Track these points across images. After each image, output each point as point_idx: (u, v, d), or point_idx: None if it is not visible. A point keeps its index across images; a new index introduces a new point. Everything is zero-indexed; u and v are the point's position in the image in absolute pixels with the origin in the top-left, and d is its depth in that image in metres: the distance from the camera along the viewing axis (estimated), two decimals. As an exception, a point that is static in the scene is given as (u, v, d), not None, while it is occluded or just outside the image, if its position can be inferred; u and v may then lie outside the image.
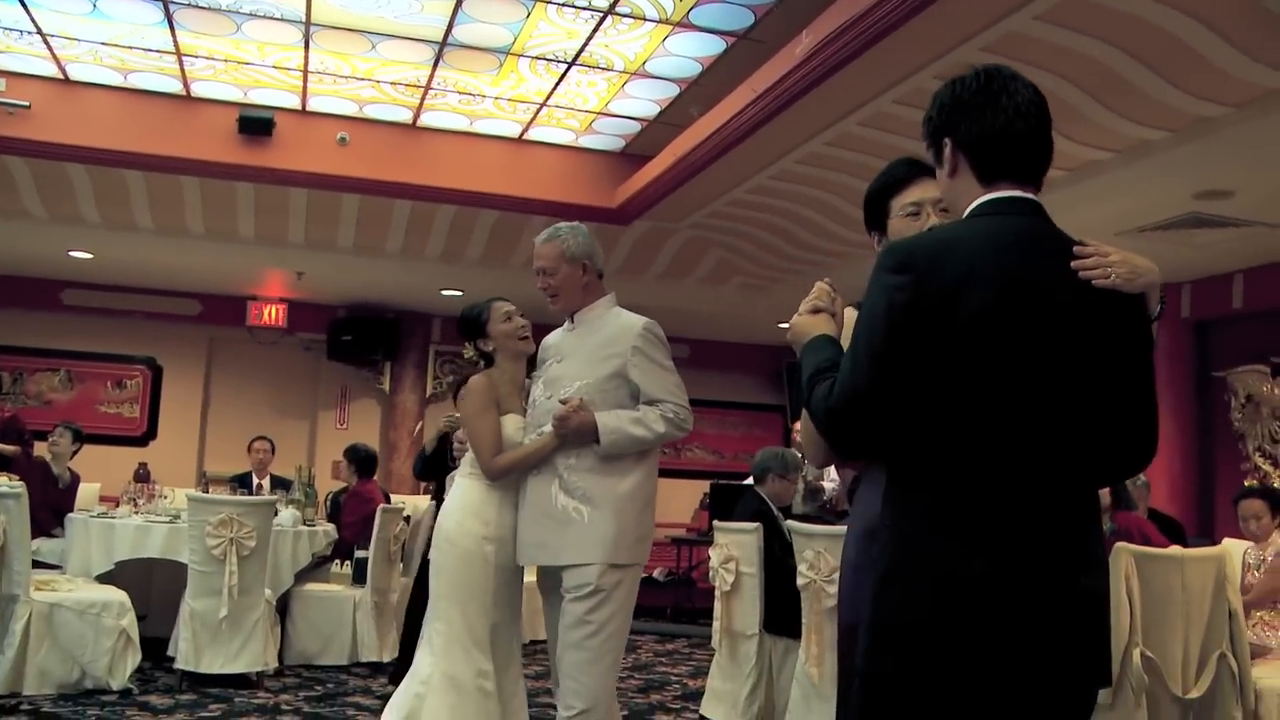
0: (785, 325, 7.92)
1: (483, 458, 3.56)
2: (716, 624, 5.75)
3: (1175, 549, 4.35)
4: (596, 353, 3.41)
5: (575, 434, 3.32)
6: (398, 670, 5.73)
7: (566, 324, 3.58)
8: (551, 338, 3.63)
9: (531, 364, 3.74)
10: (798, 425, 11.48)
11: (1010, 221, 1.87)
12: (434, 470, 5.97)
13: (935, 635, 1.75)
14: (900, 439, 1.83)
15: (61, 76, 7.69)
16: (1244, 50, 4.64)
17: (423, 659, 3.58)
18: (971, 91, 1.91)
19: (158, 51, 7.15)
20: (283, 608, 6.50)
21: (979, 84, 1.91)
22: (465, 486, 3.66)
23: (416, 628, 5.67)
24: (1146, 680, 3.99)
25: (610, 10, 6.15)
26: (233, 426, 10.77)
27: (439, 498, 5.83)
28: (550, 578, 3.46)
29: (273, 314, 10.59)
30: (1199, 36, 4.60)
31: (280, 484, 8.21)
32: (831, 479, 10.95)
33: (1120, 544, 4.12)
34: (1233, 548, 4.63)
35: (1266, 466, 7.54)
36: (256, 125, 7.79)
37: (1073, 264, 1.84)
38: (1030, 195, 1.90)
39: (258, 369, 11.14)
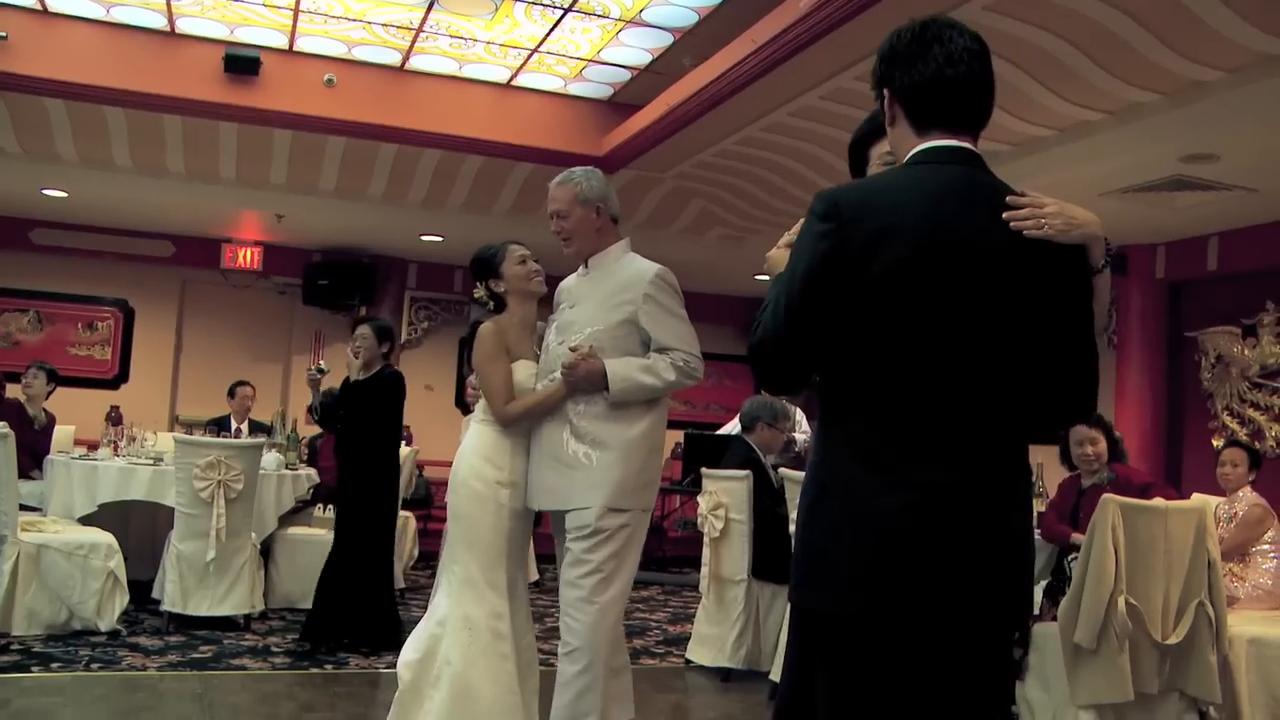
0: (762, 277, 8.06)
1: (494, 405, 3.58)
2: (704, 570, 5.84)
3: (1159, 500, 4.48)
4: (609, 299, 3.42)
5: (584, 381, 3.35)
6: (308, 624, 5.73)
7: (580, 269, 3.59)
8: (566, 282, 3.63)
9: (546, 307, 3.74)
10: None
11: (942, 171, 1.89)
12: (333, 419, 5.96)
13: (852, 567, 1.81)
14: (826, 377, 1.90)
15: (40, 7, 7.51)
16: (1240, 13, 4.70)
17: (439, 600, 3.62)
18: (906, 41, 1.93)
19: (143, -16, 7.02)
20: (266, 551, 6.52)
21: (913, 34, 1.93)
22: (478, 431, 3.67)
23: (332, 579, 5.70)
24: (1130, 627, 4.14)
25: (612, -44, 6.13)
26: (205, 370, 10.71)
27: (340, 444, 5.91)
28: (561, 521, 3.50)
29: (247, 257, 10.50)
30: (1197, -1, 4.67)
31: (258, 428, 8.18)
32: (804, 430, 11.11)
33: (1108, 495, 4.25)
34: (1207, 501, 4.76)
35: (1234, 425, 7.74)
36: (242, 64, 7.67)
37: (1005, 215, 1.86)
38: (966, 144, 1.92)
39: (231, 312, 11.05)
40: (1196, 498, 4.97)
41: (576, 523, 3.33)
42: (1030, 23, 5.04)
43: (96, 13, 7.56)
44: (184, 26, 7.71)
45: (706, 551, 5.84)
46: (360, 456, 5.75)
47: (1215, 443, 7.78)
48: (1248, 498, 5.17)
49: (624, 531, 3.31)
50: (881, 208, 1.84)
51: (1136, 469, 4.92)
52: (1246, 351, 7.69)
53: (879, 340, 1.82)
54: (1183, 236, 7.79)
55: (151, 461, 6.39)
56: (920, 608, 1.79)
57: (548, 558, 4.91)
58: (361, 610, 5.66)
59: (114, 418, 9.43)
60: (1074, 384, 1.92)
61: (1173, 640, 4.25)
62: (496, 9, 7.01)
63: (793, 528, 4.80)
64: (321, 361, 6.48)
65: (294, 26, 7.55)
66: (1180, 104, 5.51)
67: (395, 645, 5.28)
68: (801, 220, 1.93)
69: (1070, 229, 1.86)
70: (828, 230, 1.84)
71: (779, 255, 2.09)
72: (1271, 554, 5.05)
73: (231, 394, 8.35)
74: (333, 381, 6.19)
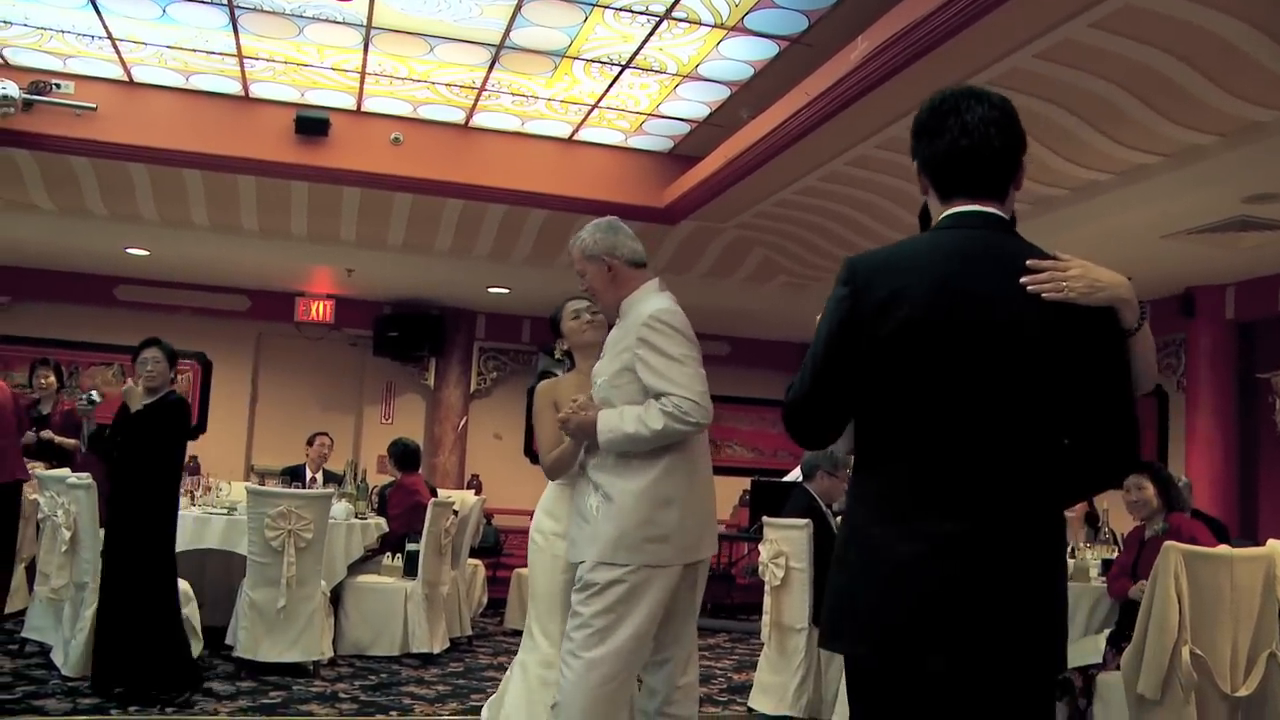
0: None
1: (541, 458, 3.63)
2: (766, 618, 5.84)
3: (1224, 548, 4.40)
4: (614, 347, 3.35)
5: (578, 434, 3.31)
6: (94, 676, 5.27)
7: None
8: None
9: None
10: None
11: (959, 235, 1.95)
12: (108, 448, 5.48)
13: (867, 614, 1.88)
14: (858, 432, 1.99)
15: (126, 79, 7.90)
16: (1295, 55, 4.69)
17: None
18: (926, 114, 2.02)
19: (220, 54, 7.34)
20: (335, 599, 6.63)
21: (932, 107, 2.01)
22: (548, 486, 3.78)
23: (110, 626, 5.17)
24: (1196, 678, 4.05)
25: (667, 15, 6.26)
26: (280, 420, 10.99)
27: (114, 478, 5.36)
28: None
29: (320, 310, 10.75)
30: (1248, 38, 4.65)
31: (331, 478, 8.36)
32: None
33: (1169, 543, 4.18)
34: (1276, 548, 4.66)
35: (1310, 468, 7.56)
36: (313, 125, 7.96)
37: (1023, 279, 1.89)
38: (989, 209, 1.97)
39: (304, 364, 11.32)
40: (1271, 544, 4.87)
41: (579, 574, 3.25)
42: (1081, 69, 5.06)
43: (177, 81, 7.92)
44: (257, 91, 8.03)
45: (768, 600, 5.84)
46: (141, 487, 5.26)
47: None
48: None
49: (618, 588, 3.13)
50: (894, 272, 1.93)
51: (1191, 520, 4.82)
52: (1320, 393, 7.53)
53: (893, 398, 1.90)
54: (1251, 276, 7.66)
55: (226, 511, 6.56)
56: (928, 654, 1.83)
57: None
58: (147, 654, 5.23)
59: (192, 468, 9.71)
60: (1107, 445, 1.93)
61: (1243, 692, 4.15)
62: (556, 67, 7.19)
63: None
64: (94, 392, 6.05)
65: (361, 88, 7.81)
66: (1237, 145, 5.47)
67: (194, 685, 5.34)
68: None
69: (1093, 291, 1.88)
70: (845, 295, 1.94)
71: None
72: (1347, 601, 4.91)
73: (310, 442, 8.54)
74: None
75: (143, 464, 5.25)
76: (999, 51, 4.93)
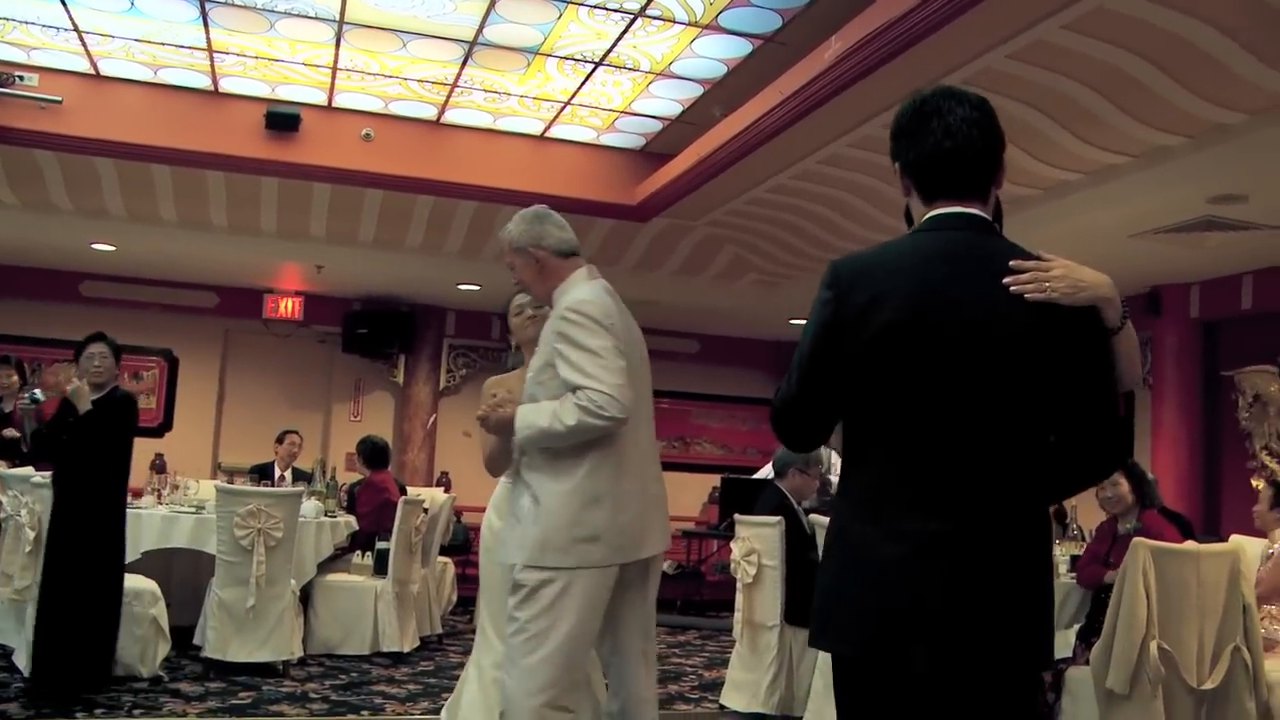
0: (795, 320, 8.10)
1: (482, 454, 3.57)
2: (738, 615, 5.86)
3: (1191, 544, 4.46)
4: (543, 341, 3.21)
5: (497, 430, 3.23)
6: (33, 679, 5.07)
7: None
8: None
9: None
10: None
11: (941, 237, 1.96)
12: (52, 448, 5.24)
13: (851, 613, 1.90)
14: (846, 435, 2.01)
15: (93, 72, 7.80)
16: (1261, 58, 4.75)
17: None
18: (907, 117, 2.03)
19: (189, 48, 7.25)
20: (305, 598, 6.60)
21: (913, 109, 2.02)
22: (498, 484, 3.72)
23: (51, 629, 5.01)
24: (1163, 672, 4.10)
25: (641, 12, 6.26)
26: (247, 418, 10.91)
27: (59, 476, 5.17)
28: None
29: (289, 306, 10.69)
30: (1217, 43, 4.71)
31: (300, 476, 8.31)
32: (838, 472, 11.10)
33: (1138, 540, 4.23)
34: (1243, 543, 4.73)
35: (1273, 464, 7.67)
36: (283, 121, 7.90)
37: (1006, 280, 1.90)
38: (971, 210, 1.99)
39: (273, 361, 11.23)
40: (1233, 540, 4.94)
41: (513, 576, 3.13)
42: (1053, 70, 5.11)
43: (145, 75, 7.82)
44: (227, 86, 7.95)
45: (740, 597, 5.86)
46: (89, 486, 5.12)
47: (1255, 483, 7.71)
48: (1283, 537, 5.13)
49: (549, 589, 3.01)
50: (877, 275, 1.94)
51: (1163, 520, 4.89)
52: (1284, 391, 7.64)
53: (876, 400, 1.92)
54: (1216, 275, 7.77)
55: (194, 510, 6.51)
56: (914, 652, 1.85)
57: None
58: (85, 656, 5.13)
59: (158, 466, 9.63)
60: (1092, 442, 1.95)
61: (1209, 685, 4.21)
62: (529, 64, 7.18)
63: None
64: (37, 390, 5.80)
65: (333, 84, 7.76)
66: (1204, 146, 5.54)
67: (95, 689, 5.17)
68: None
69: (1076, 291, 1.90)
70: (829, 298, 1.96)
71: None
72: (1310, 596, 5.00)
73: (280, 440, 8.50)
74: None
75: (91, 462, 5.12)
76: (972, 52, 4.97)
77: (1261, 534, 5.31)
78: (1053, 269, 1.91)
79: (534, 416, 3.04)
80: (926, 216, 2.01)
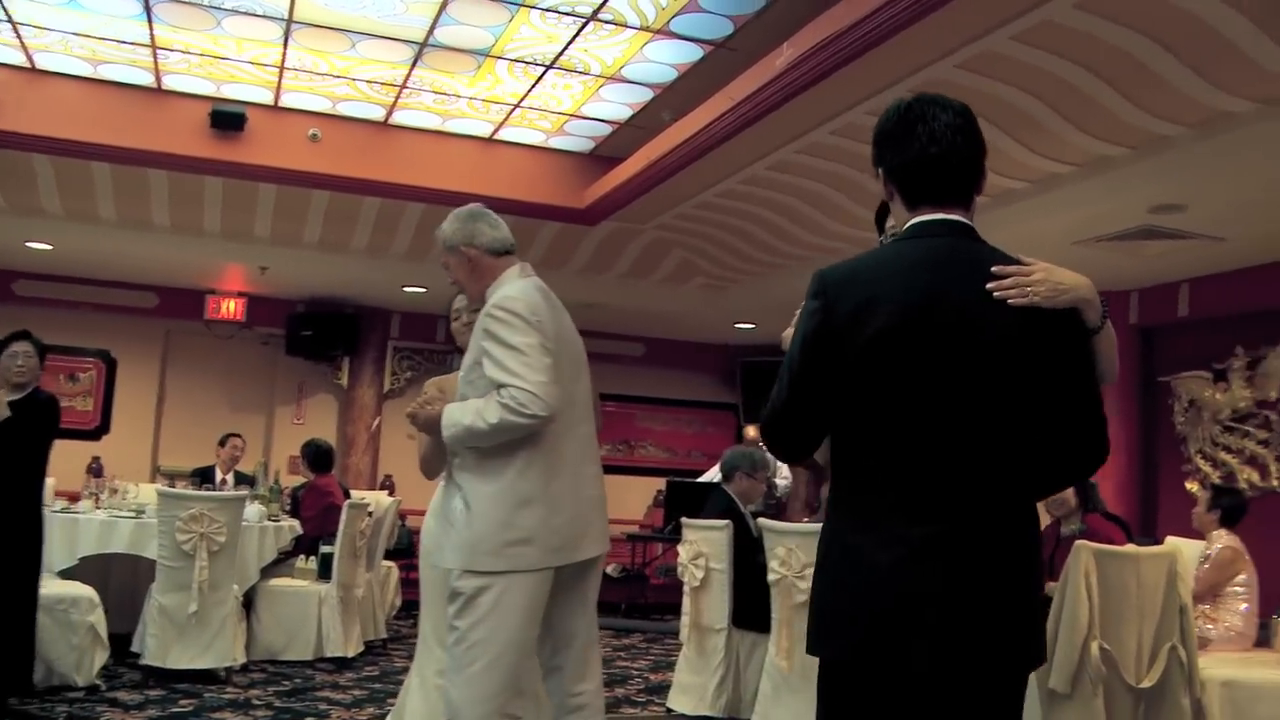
0: (742, 325, 8.14)
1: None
2: (685, 618, 5.88)
3: (1130, 547, 4.55)
4: (471, 340, 3.20)
5: (425, 429, 3.21)
6: None
7: None
8: None
9: None
10: (750, 428, 11.60)
11: (925, 244, 1.98)
12: None
13: (850, 619, 1.91)
14: (834, 444, 2.02)
15: (29, 65, 7.62)
16: (1199, 73, 4.86)
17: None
18: (892, 123, 2.04)
19: (131, 44, 7.11)
20: (248, 603, 6.51)
21: (899, 115, 2.04)
22: (437, 488, 3.66)
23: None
24: (1104, 671, 4.19)
25: (593, 16, 6.25)
26: (188, 421, 10.73)
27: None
28: None
29: (231, 308, 10.53)
30: (1158, 58, 4.81)
31: (242, 479, 8.21)
32: (784, 476, 11.19)
33: (1080, 542, 4.30)
34: (1180, 545, 4.84)
35: (1207, 468, 7.84)
36: (228, 120, 7.77)
37: (988, 285, 1.93)
38: (953, 216, 2.01)
39: (214, 363, 11.05)
40: (1169, 542, 5.05)
41: (450, 584, 3.08)
42: (1000, 80, 5.19)
43: (84, 70, 7.66)
44: (170, 83, 7.81)
45: (687, 601, 5.88)
46: (6, 492, 4.86)
47: (1189, 486, 7.88)
48: (1221, 539, 5.26)
49: (487, 596, 2.96)
50: (863, 283, 1.96)
51: (1105, 521, 4.99)
52: (1218, 396, 7.80)
53: (868, 407, 1.93)
54: (1154, 283, 7.93)
55: (133, 514, 6.40)
56: (913, 654, 1.86)
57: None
58: (4, 668, 4.90)
59: (95, 469, 9.46)
60: (1077, 440, 1.99)
61: (1146, 684, 4.29)
62: (479, 66, 7.14)
63: (772, 576, 4.88)
64: None
65: (279, 83, 7.66)
66: (1146, 157, 5.65)
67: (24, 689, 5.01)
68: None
69: (1057, 294, 1.93)
70: (817, 307, 1.97)
71: (789, 333, 2.18)
72: (1242, 596, 5.13)
73: (223, 443, 8.38)
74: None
75: (9, 465, 4.84)
76: (922, 61, 5.03)
77: (1200, 535, 5.44)
78: (1034, 273, 1.94)
79: (459, 414, 3.01)
80: (910, 223, 2.03)
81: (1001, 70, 5.06)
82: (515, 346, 2.97)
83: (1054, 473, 2.03)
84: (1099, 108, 5.29)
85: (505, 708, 2.97)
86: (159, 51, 7.21)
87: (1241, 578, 5.15)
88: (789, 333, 2.19)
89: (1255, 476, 7.46)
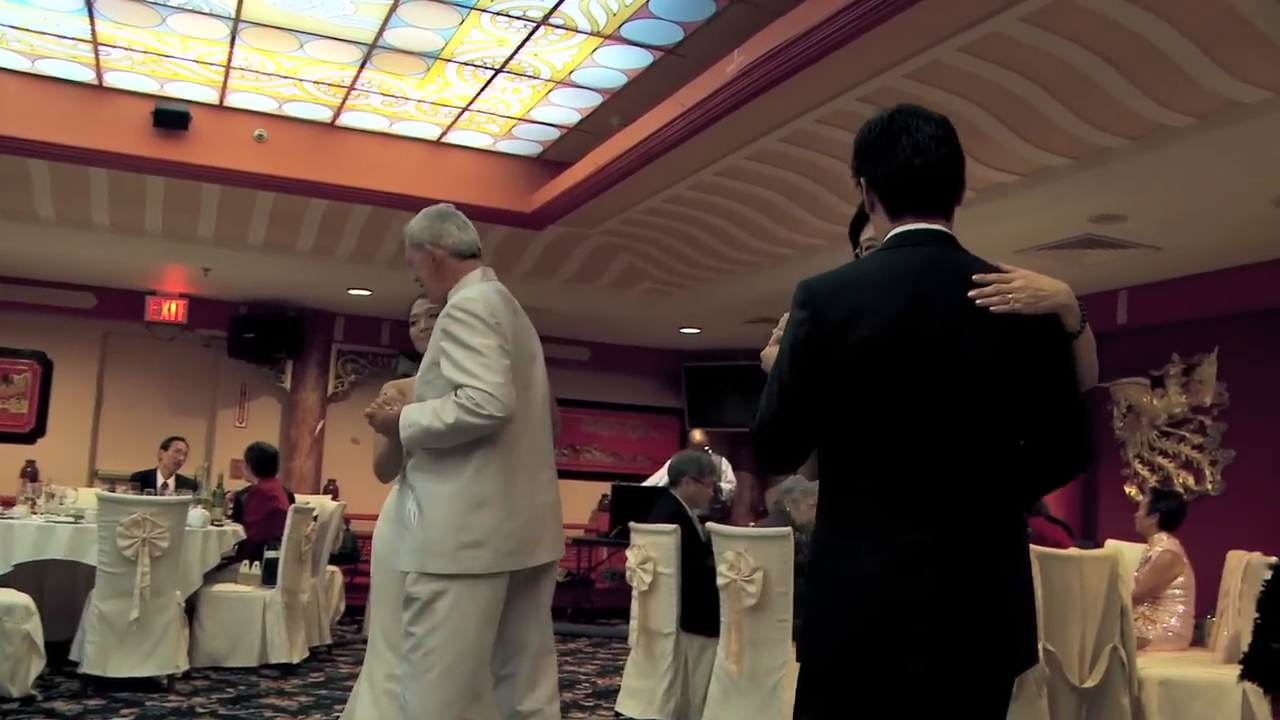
0: (688, 330, 8.18)
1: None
2: (633, 622, 5.88)
3: (1074, 550, 4.65)
4: (430, 341, 3.20)
5: (383, 429, 3.22)
6: None
7: None
8: None
9: None
10: (696, 432, 11.61)
11: (909, 253, 2.01)
12: None
13: (840, 626, 1.94)
14: (821, 454, 2.04)
15: (-38, 60, 7.44)
16: (1138, 85, 4.97)
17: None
18: (876, 134, 2.07)
19: (72, 39, 6.96)
20: (190, 609, 6.42)
21: (882, 126, 2.07)
22: (390, 491, 3.65)
23: None
24: (1048, 672, 4.28)
25: (544, 21, 6.24)
26: (127, 424, 10.54)
27: None
28: None
29: (172, 309, 10.33)
30: (1100, 70, 4.92)
31: (184, 483, 8.09)
32: (729, 480, 11.22)
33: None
34: (1121, 548, 4.95)
35: (1145, 472, 8.01)
36: (172, 119, 7.64)
37: (970, 293, 1.97)
38: (936, 226, 2.04)
39: (154, 365, 10.85)
40: (1110, 545, 5.16)
41: (405, 588, 3.05)
42: (947, 89, 5.26)
43: (21, 64, 7.48)
44: (112, 81, 7.66)
45: (635, 605, 5.88)
46: None
47: (1128, 490, 8.05)
48: (1161, 543, 5.38)
49: (443, 602, 2.94)
50: (849, 292, 1.98)
51: (1051, 525, 5.08)
52: (1155, 402, 7.98)
53: (857, 416, 1.95)
54: (1095, 290, 8.07)
55: (71, 519, 6.28)
56: (907, 659, 1.89)
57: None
58: None
59: (30, 473, 9.25)
60: (1061, 443, 2.02)
61: (1089, 684, 4.40)
62: (428, 69, 7.10)
63: (720, 580, 4.90)
64: None
65: (225, 82, 7.55)
66: (1087, 168, 5.76)
67: None
68: (787, 314, 2.07)
69: (1037, 301, 1.97)
70: (804, 317, 1.98)
71: (770, 352, 2.20)
72: (1180, 598, 5.26)
73: (165, 446, 8.25)
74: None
75: None
76: (871, 70, 5.09)
77: (1141, 539, 5.56)
78: (1014, 280, 1.98)
79: (416, 415, 3.00)
80: (892, 234, 2.05)
81: (949, 81, 5.14)
82: (473, 347, 2.97)
83: (1040, 476, 2.07)
84: (1043, 119, 5.39)
85: (464, 714, 2.95)
86: (100, 48, 7.07)
87: (1180, 580, 5.27)
88: (769, 351, 2.20)
89: (1190, 480, 7.63)
